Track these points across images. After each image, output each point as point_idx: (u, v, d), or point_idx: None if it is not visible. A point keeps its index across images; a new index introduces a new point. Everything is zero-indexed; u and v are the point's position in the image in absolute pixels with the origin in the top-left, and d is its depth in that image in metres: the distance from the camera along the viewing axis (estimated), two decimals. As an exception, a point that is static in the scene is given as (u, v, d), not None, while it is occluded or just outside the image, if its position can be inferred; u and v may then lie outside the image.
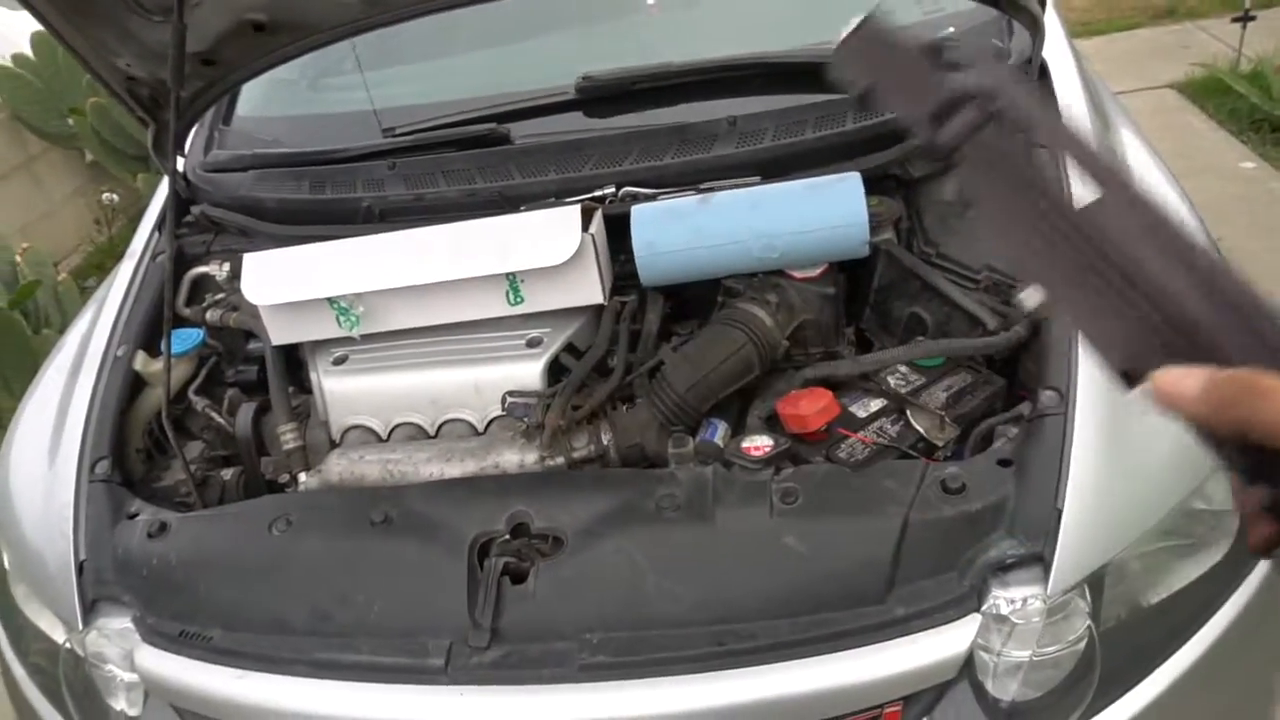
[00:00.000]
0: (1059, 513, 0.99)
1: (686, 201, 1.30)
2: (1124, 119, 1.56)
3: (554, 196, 1.41)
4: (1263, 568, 1.09)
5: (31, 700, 1.28)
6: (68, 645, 1.22)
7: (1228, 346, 0.42)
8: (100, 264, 3.80)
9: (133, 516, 1.25)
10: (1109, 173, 0.45)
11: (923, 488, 1.03)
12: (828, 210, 1.25)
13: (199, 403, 1.44)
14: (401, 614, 1.08)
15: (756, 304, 1.28)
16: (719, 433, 1.22)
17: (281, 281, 1.33)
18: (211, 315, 1.51)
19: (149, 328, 1.49)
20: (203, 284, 1.61)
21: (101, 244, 3.89)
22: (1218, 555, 1.07)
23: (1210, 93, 3.58)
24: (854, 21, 0.48)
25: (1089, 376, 1.07)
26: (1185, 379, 0.42)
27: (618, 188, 1.39)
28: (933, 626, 0.99)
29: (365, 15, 1.40)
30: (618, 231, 1.33)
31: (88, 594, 1.20)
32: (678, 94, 1.53)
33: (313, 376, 1.38)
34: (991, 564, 1.00)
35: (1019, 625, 0.99)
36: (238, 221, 1.58)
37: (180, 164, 1.70)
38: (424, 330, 1.36)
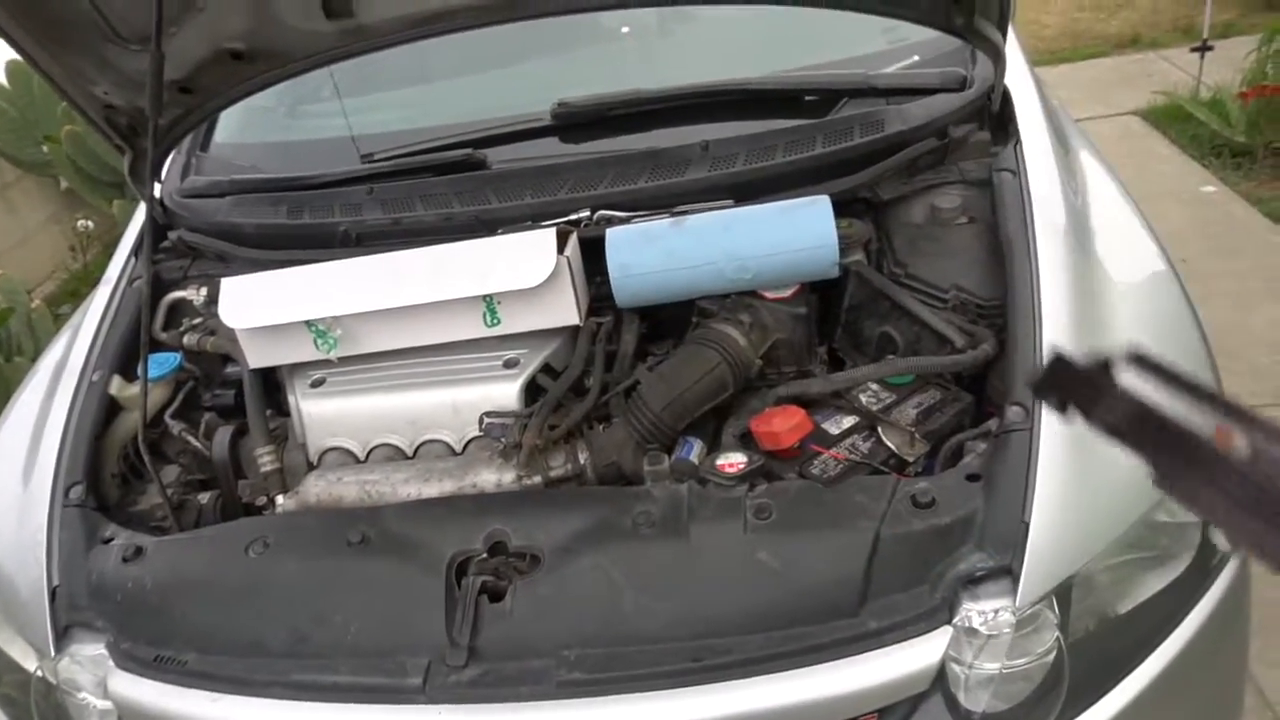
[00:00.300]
0: (1026, 526, 1.02)
1: (660, 224, 1.33)
2: (1084, 142, 1.61)
3: (530, 220, 1.43)
4: (1226, 577, 1.11)
5: (2, 729, 1.27)
6: (39, 673, 1.21)
7: None
8: (75, 291, 3.77)
9: (107, 541, 1.24)
10: (1254, 421, 0.51)
11: (894, 503, 1.05)
12: (798, 232, 1.28)
13: (175, 427, 1.43)
14: (379, 634, 1.09)
15: (730, 324, 1.31)
16: (694, 451, 1.24)
17: (259, 305, 1.34)
18: (189, 339, 1.52)
19: (125, 352, 1.48)
20: (180, 308, 1.61)
21: (76, 271, 3.86)
22: (1181, 567, 1.10)
23: (1172, 119, 3.68)
24: (1049, 357, 0.60)
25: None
26: None
27: (593, 211, 1.41)
28: (905, 639, 1.00)
29: (341, 44, 1.43)
30: (593, 254, 1.35)
31: (60, 620, 1.19)
32: (651, 120, 1.57)
33: (290, 399, 1.38)
34: (961, 577, 1.02)
35: (989, 637, 1.01)
36: (215, 246, 1.58)
37: (157, 190, 1.71)
38: (401, 352, 1.37)
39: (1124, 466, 1.09)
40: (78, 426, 1.36)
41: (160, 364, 1.47)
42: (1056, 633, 1.02)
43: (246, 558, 1.16)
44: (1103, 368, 0.58)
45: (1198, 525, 1.12)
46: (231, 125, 1.89)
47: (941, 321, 1.29)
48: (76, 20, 1.30)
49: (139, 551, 1.20)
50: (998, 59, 1.42)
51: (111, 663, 1.16)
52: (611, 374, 1.32)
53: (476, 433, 1.29)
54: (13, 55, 1.35)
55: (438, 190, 1.50)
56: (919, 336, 1.32)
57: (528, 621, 1.06)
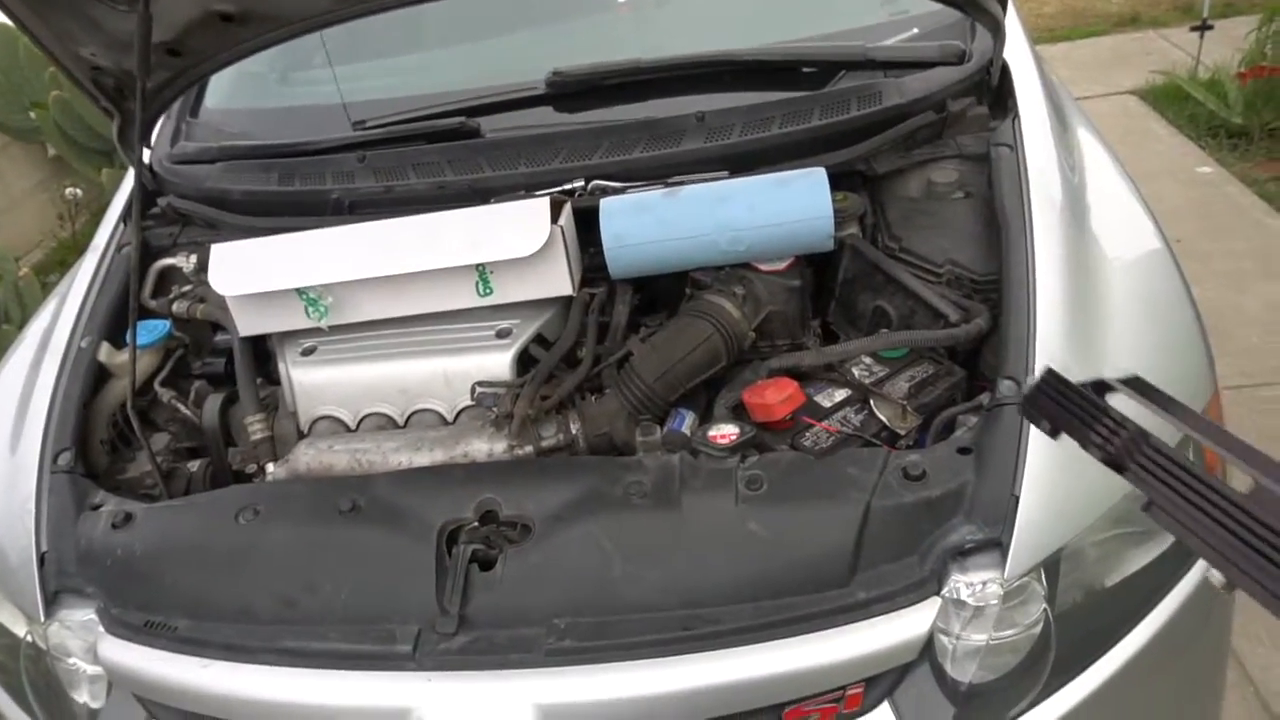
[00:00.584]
0: (1016, 499, 1.02)
1: (654, 195, 1.32)
2: (1082, 120, 1.60)
3: (524, 190, 1.42)
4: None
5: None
6: (29, 638, 1.21)
7: None
8: (63, 260, 3.74)
9: (96, 508, 1.24)
10: (1255, 456, 0.52)
11: (884, 475, 1.06)
12: (794, 204, 1.27)
13: (165, 394, 1.43)
14: (369, 601, 1.09)
15: (724, 296, 1.30)
16: (686, 422, 1.24)
17: (249, 272, 1.33)
18: (178, 307, 1.50)
19: (114, 319, 1.47)
20: (169, 276, 1.60)
21: (64, 239, 3.83)
22: (1167, 541, 1.11)
23: (1170, 99, 3.66)
24: (1036, 376, 0.59)
25: (1046, 366, 1.10)
26: None
27: (587, 181, 1.40)
28: (894, 610, 1.01)
29: (335, 8, 1.40)
30: (587, 224, 1.34)
31: (49, 586, 1.19)
32: (646, 90, 1.55)
33: (281, 367, 1.37)
34: (951, 549, 1.03)
35: (978, 609, 1.01)
36: (205, 213, 1.57)
37: (146, 156, 1.69)
38: (393, 321, 1.36)
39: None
40: (66, 393, 1.35)
41: (149, 331, 1.46)
42: (1044, 605, 1.03)
43: (237, 525, 1.16)
44: (1097, 391, 0.58)
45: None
46: (221, 90, 1.86)
47: (936, 296, 1.29)
48: (63, -21, 1.27)
49: (128, 518, 1.20)
50: (997, 32, 1.41)
51: (101, 628, 1.16)
52: (604, 345, 1.32)
53: (468, 402, 1.28)
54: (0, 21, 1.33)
55: (431, 158, 1.48)
56: (913, 311, 1.31)
57: (518, 590, 1.06)
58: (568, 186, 1.40)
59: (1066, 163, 1.39)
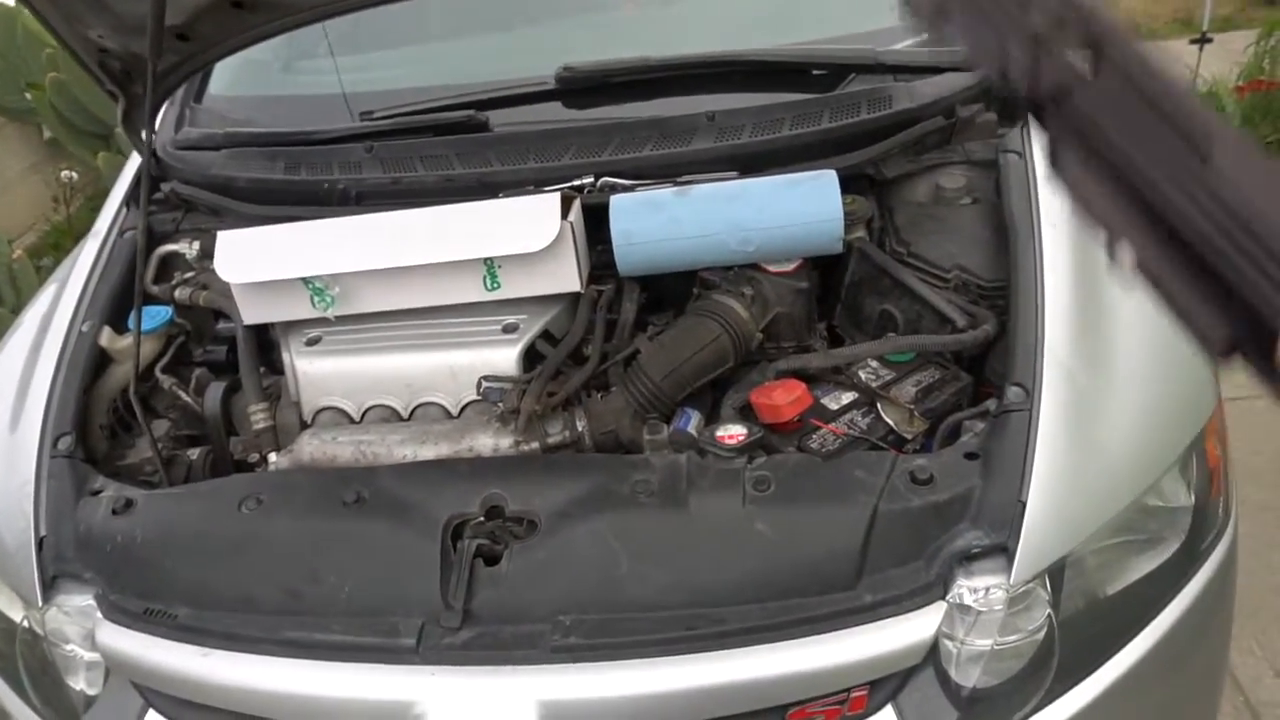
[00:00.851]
0: (1022, 505, 1.02)
1: (664, 193, 1.32)
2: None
3: (533, 185, 1.41)
4: (1213, 562, 1.13)
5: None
6: (25, 623, 1.20)
7: None
8: (56, 243, 3.71)
9: (96, 493, 1.23)
10: (1212, 120, 0.39)
11: (892, 478, 1.06)
12: (804, 206, 1.27)
13: (166, 381, 1.42)
14: (373, 594, 1.08)
15: (732, 296, 1.30)
16: (692, 422, 1.24)
17: (256, 260, 1.32)
18: (180, 294, 1.49)
19: (115, 304, 1.46)
20: (171, 262, 1.59)
21: (58, 223, 3.79)
22: (1170, 550, 1.11)
23: (1167, 111, 3.66)
24: None
25: (1054, 374, 1.10)
26: None
27: (596, 178, 1.40)
28: (900, 613, 1.01)
29: (347, -4, 1.40)
30: (596, 221, 1.34)
31: (48, 570, 1.18)
32: (657, 88, 1.55)
33: (285, 357, 1.36)
34: (957, 554, 1.03)
35: (982, 614, 1.02)
36: (209, 200, 1.55)
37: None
38: (398, 313, 1.36)
39: (1120, 449, 1.11)
40: (66, 377, 1.34)
41: (151, 317, 1.45)
42: (1048, 611, 1.04)
43: (239, 514, 1.15)
44: None
45: (1188, 510, 1.14)
46: (226, 77, 1.84)
47: (943, 301, 1.29)
48: (74, -40, 1.26)
49: (129, 504, 1.19)
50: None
51: (99, 614, 1.15)
52: (611, 342, 1.32)
53: (474, 396, 1.28)
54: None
55: (439, 151, 1.48)
56: (920, 315, 1.32)
57: (523, 585, 1.06)
58: (577, 182, 1.40)
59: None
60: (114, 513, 1.19)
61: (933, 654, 1.03)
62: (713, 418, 1.27)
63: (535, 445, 1.21)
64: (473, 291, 1.31)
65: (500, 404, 1.22)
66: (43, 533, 1.20)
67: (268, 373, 1.42)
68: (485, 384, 1.25)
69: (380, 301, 1.34)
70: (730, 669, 1.00)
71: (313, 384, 1.33)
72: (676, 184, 1.38)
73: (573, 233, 1.28)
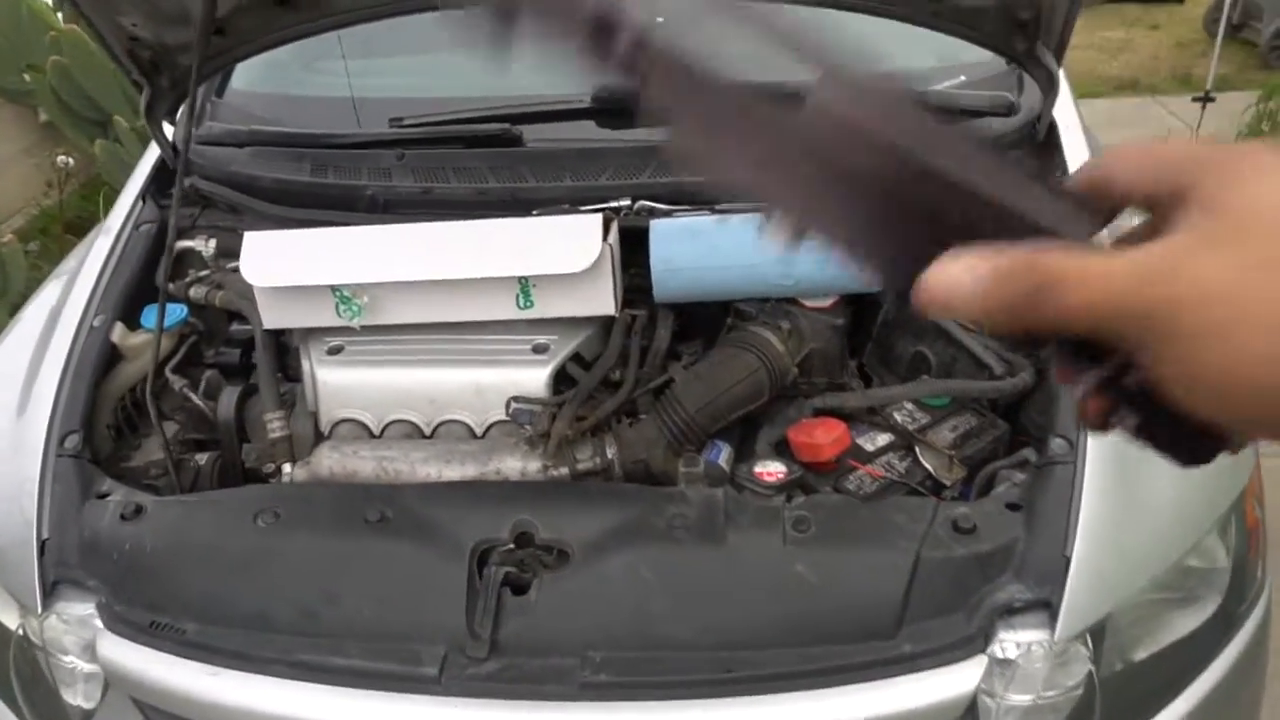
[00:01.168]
0: (1067, 560, 1.01)
1: (706, 220, 1.30)
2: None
3: (568, 204, 1.39)
4: (1251, 623, 1.12)
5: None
6: (20, 631, 1.14)
7: (992, 223, 0.34)
8: (45, 228, 3.62)
9: (103, 496, 1.18)
10: (816, 51, 0.38)
11: (934, 526, 1.04)
12: (849, 242, 1.26)
13: (176, 382, 1.37)
14: (394, 618, 1.04)
15: (769, 329, 1.28)
16: (722, 455, 1.22)
17: (283, 264, 1.28)
18: (195, 292, 1.45)
19: (128, 299, 1.41)
20: (186, 259, 1.54)
21: (47, 207, 3.70)
22: (1208, 611, 1.10)
23: (1166, 166, 3.72)
24: None
25: None
26: (959, 278, 0.33)
27: (633, 200, 1.38)
28: (940, 666, 0.99)
29: (390, 1, 1.37)
30: (628, 244, 1.31)
31: (48, 575, 1.13)
32: (696, 113, 1.53)
33: (304, 364, 1.32)
34: (999, 607, 1.01)
35: (1022, 669, 1.00)
36: (230, 197, 1.51)
37: (169, 131, 1.63)
38: (424, 326, 1.32)
39: (1166, 505, 1.10)
40: (76, 372, 1.29)
41: (167, 315, 1.40)
42: (1089, 667, 1.02)
43: (255, 527, 1.11)
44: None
45: (1226, 571, 1.13)
46: (249, 74, 1.81)
47: (979, 346, 1.28)
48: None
49: (139, 510, 1.14)
50: (1050, 88, 1.41)
51: (101, 624, 1.10)
52: (643, 370, 1.29)
53: (500, 417, 1.25)
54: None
55: (472, 163, 1.45)
56: (954, 359, 1.30)
57: (552, 617, 1.03)
58: (613, 204, 1.38)
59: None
60: (123, 518, 1.14)
61: (970, 710, 1.01)
62: (742, 452, 1.24)
63: (564, 471, 1.18)
64: (504, 309, 1.28)
65: (529, 426, 1.19)
66: (45, 535, 1.14)
67: (282, 379, 1.38)
68: (514, 405, 1.21)
69: (408, 314, 1.30)
70: (766, 715, 0.97)
71: (333, 394, 1.29)
72: (714, 211, 1.36)
73: (611, 255, 1.26)
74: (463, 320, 1.30)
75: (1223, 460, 0.36)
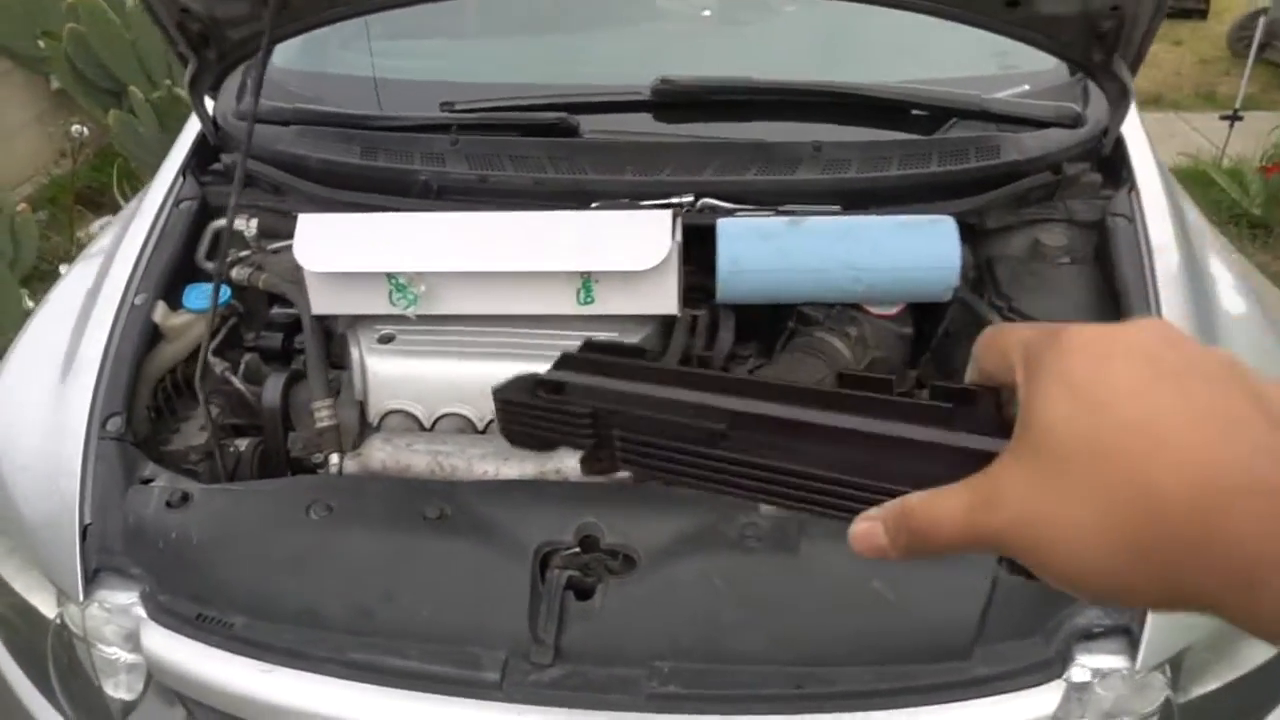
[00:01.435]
0: (1150, 586, 0.98)
1: (775, 222, 1.27)
2: (1189, 205, 1.59)
3: (628, 198, 1.36)
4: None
5: (11, 682, 1.15)
6: (59, 619, 1.10)
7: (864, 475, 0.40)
8: (54, 198, 3.55)
9: (146, 481, 1.14)
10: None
11: (1011, 545, 1.01)
12: (921, 250, 1.23)
13: (217, 365, 1.33)
14: (453, 620, 1.01)
15: (836, 335, 1.25)
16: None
17: (338, 249, 1.24)
18: (238, 273, 1.40)
19: (169, 278, 1.37)
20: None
21: (59, 177, 3.64)
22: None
23: (1194, 181, 3.73)
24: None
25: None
26: (869, 533, 0.38)
27: (696, 198, 1.34)
28: (1016, 690, 0.97)
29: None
30: (686, 242, 1.28)
31: (90, 562, 1.09)
32: (756, 110, 1.50)
33: (353, 352, 1.29)
34: (1078, 632, 0.99)
35: (1099, 696, 0.98)
36: (274, 176, 1.47)
37: (210, 106, 1.59)
38: (477, 318, 1.29)
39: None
40: (118, 352, 1.25)
41: (207, 295, 1.36)
42: (1166, 692, 0.99)
43: (307, 519, 1.07)
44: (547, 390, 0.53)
45: None
46: (288, 51, 1.75)
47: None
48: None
49: (185, 498, 1.11)
50: (1122, 101, 1.38)
51: (144, 614, 1.06)
52: (704, 371, 1.26)
53: (557, 415, 1.21)
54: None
55: (529, 152, 1.41)
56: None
57: (618, 625, 1.00)
58: (675, 200, 1.34)
59: (1184, 240, 1.37)
60: (168, 505, 1.10)
61: (1045, 734, 0.98)
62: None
63: (627, 473, 1.15)
64: (564, 304, 1.25)
65: (589, 426, 1.16)
66: (87, 520, 1.10)
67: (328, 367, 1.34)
68: (575, 403, 1.18)
69: (464, 305, 1.26)
70: (839, 734, 0.95)
71: (383, 384, 1.26)
72: (778, 213, 1.33)
73: (676, 253, 1.22)
74: (519, 314, 1.27)
75: None
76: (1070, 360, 0.33)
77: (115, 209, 3.43)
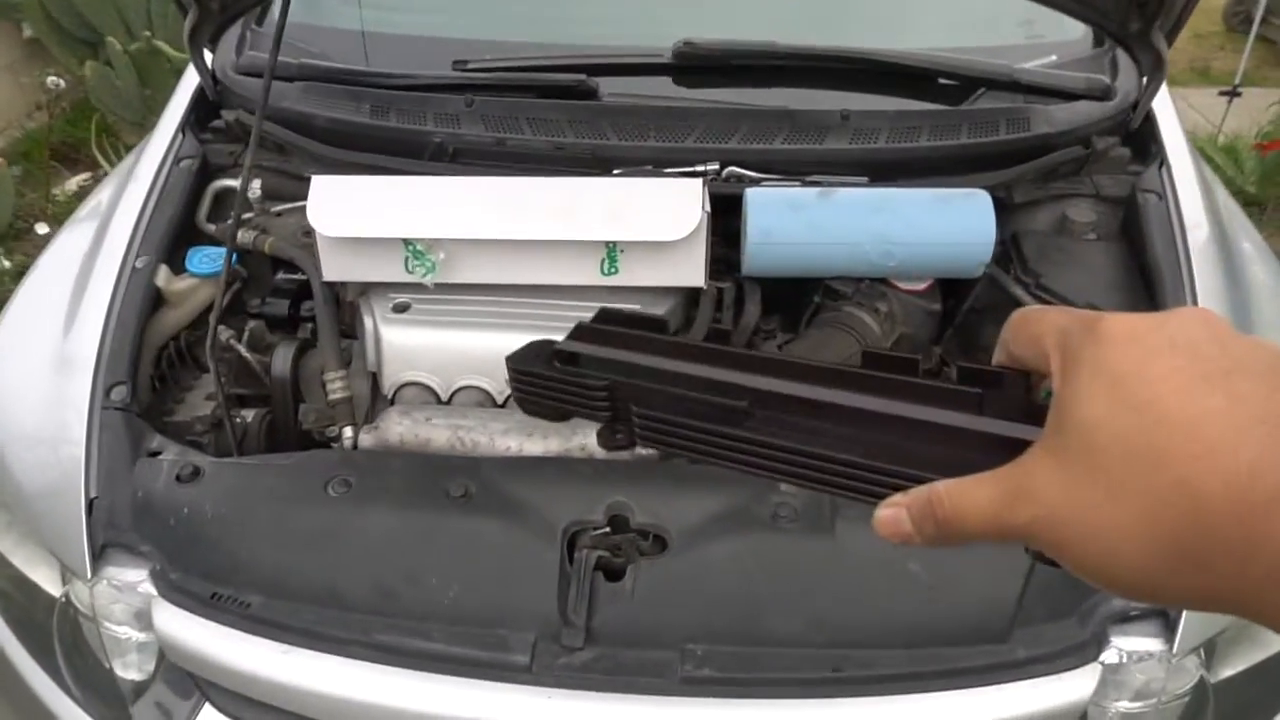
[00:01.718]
0: (1187, 569, 0.97)
1: (808, 194, 1.23)
2: (1216, 185, 1.57)
3: (651, 165, 1.31)
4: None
5: (14, 661, 1.10)
6: (65, 597, 1.06)
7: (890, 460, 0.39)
8: (28, 152, 3.43)
9: (155, 454, 1.09)
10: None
11: (1049, 527, 1.00)
12: (955, 225, 1.20)
13: (224, 334, 1.28)
14: (480, 601, 0.98)
15: (865, 310, 1.23)
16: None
17: (354, 212, 1.19)
18: (243, 237, 1.35)
19: (172, 240, 1.31)
20: (227, 199, 1.44)
21: (32, 131, 3.51)
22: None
23: (1185, 157, 3.73)
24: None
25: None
26: (894, 519, 0.38)
27: (722, 166, 1.30)
28: (1053, 672, 0.95)
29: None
30: (712, 212, 1.24)
31: (98, 538, 1.04)
32: (780, 76, 1.45)
33: (366, 321, 1.24)
34: (1114, 615, 0.98)
35: (1134, 677, 0.97)
36: (279, 135, 1.41)
37: (210, 59, 1.52)
38: (495, 288, 1.24)
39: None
40: (120, 318, 1.19)
41: (213, 260, 1.31)
42: (1200, 673, 0.99)
43: (326, 495, 1.04)
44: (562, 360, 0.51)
45: None
46: (295, 4, 1.68)
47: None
48: None
49: (196, 472, 1.06)
50: (1156, 74, 1.35)
51: (155, 593, 1.02)
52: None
53: (580, 389, 1.18)
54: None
55: (548, 115, 1.36)
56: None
57: (650, 606, 0.97)
58: (700, 168, 1.30)
59: (1215, 217, 1.35)
60: (179, 480, 1.06)
61: (1081, 715, 0.98)
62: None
63: (654, 450, 1.12)
64: (587, 274, 1.21)
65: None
66: (94, 494, 1.06)
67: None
68: (600, 378, 1.14)
69: (483, 274, 1.22)
70: (876, 716, 0.93)
71: (399, 355, 1.21)
72: (805, 183, 1.30)
73: (706, 224, 1.18)
74: (540, 283, 1.23)
75: None
76: (1111, 354, 0.32)
77: (92, 165, 3.32)
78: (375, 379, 1.24)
